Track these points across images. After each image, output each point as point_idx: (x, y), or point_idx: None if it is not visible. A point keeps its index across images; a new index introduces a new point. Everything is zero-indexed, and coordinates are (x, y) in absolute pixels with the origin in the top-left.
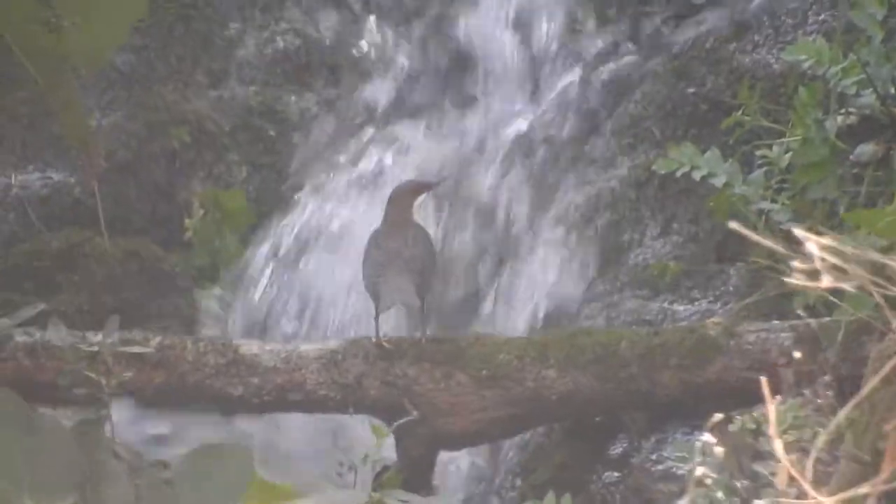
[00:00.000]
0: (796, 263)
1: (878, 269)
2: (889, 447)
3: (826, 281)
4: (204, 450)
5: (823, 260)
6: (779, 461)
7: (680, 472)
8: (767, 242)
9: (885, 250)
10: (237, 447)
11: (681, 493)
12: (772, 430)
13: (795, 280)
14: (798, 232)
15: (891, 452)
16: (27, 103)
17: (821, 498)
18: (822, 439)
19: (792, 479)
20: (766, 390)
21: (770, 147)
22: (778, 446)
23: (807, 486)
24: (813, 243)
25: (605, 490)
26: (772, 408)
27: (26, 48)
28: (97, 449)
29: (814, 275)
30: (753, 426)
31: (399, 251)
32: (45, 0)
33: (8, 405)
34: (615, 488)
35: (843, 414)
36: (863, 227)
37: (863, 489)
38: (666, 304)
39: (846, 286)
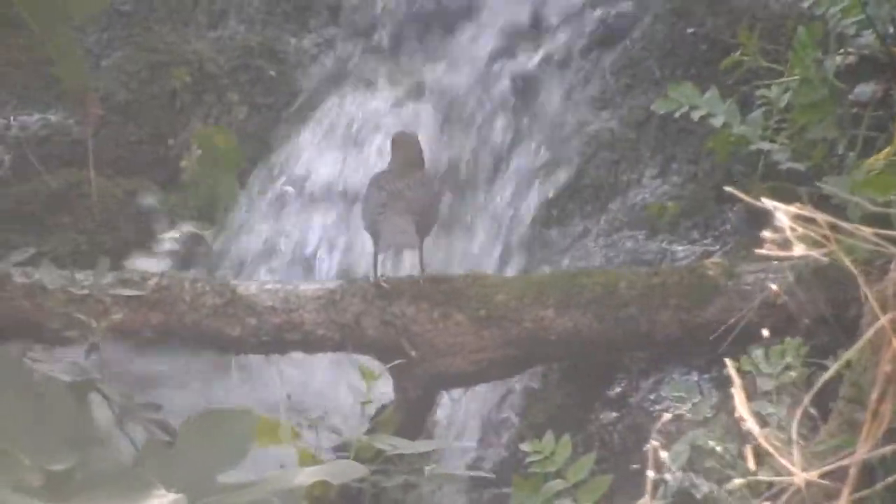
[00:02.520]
0: (767, 233)
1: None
2: (878, 401)
3: (797, 250)
4: (207, 414)
5: (794, 229)
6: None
7: (678, 411)
8: (765, 199)
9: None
10: (242, 413)
11: (679, 433)
12: (740, 404)
13: (767, 250)
14: (767, 202)
15: (878, 409)
16: (27, 48)
17: (797, 472)
18: (821, 380)
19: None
20: (731, 369)
21: (769, 87)
22: (750, 423)
23: (782, 461)
24: (783, 212)
25: (603, 430)
26: (738, 384)
27: None
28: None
29: (786, 244)
30: (751, 367)
31: (401, 192)
32: None
33: (5, 365)
34: (613, 428)
35: (845, 355)
36: (876, 191)
37: (845, 461)
38: (665, 245)
39: (817, 255)
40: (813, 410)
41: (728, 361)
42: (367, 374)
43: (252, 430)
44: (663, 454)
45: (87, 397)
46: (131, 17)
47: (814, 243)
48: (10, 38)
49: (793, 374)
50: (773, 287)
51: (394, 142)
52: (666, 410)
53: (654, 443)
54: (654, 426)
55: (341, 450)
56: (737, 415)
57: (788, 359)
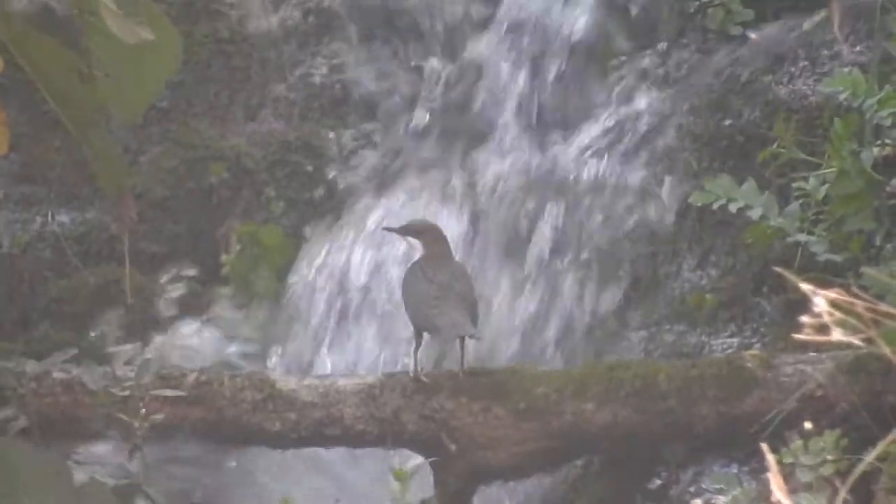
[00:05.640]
0: (805, 318)
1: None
2: None
3: (835, 336)
4: None
5: (832, 314)
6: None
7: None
8: (803, 285)
9: None
10: None
11: None
12: (777, 487)
13: (805, 335)
14: (805, 287)
15: None
16: (63, 149)
17: None
18: (858, 470)
19: None
20: (768, 455)
21: (806, 179)
22: None
23: None
24: (821, 298)
25: None
26: (774, 468)
27: (60, 97)
28: None
29: (823, 329)
30: (791, 459)
31: (450, 285)
32: (80, 51)
33: (50, 469)
34: None
35: (881, 446)
36: None
37: None
38: (703, 337)
39: (855, 340)
40: (852, 501)
41: (764, 446)
42: (400, 475)
43: None
44: None
45: (133, 501)
46: (168, 113)
47: (852, 329)
48: (47, 137)
49: (832, 466)
50: (813, 377)
51: (418, 231)
52: (706, 503)
53: None
54: None
55: None
56: (774, 499)
57: (827, 451)
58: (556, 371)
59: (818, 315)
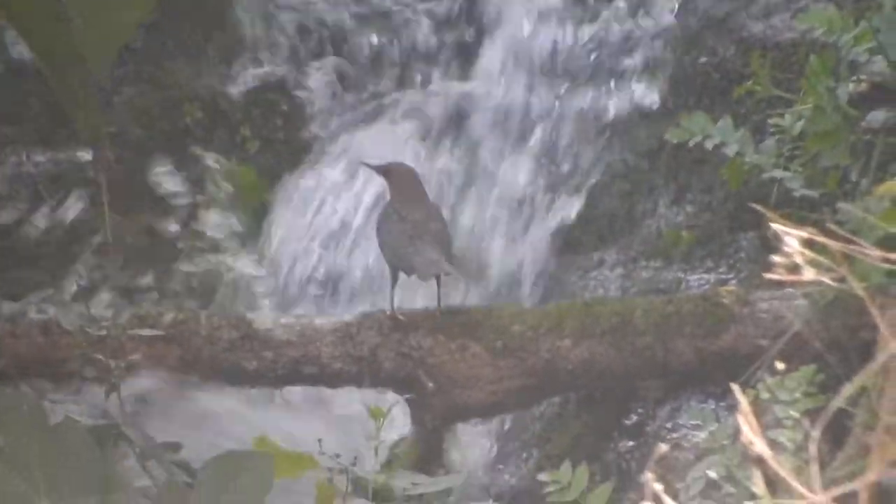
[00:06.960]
0: (776, 258)
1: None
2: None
3: (807, 275)
4: (226, 457)
5: (803, 254)
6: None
7: (695, 439)
8: (778, 222)
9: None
10: (260, 455)
11: (696, 460)
12: (748, 427)
13: (777, 275)
14: (777, 226)
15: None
16: (38, 93)
17: (812, 496)
18: (834, 405)
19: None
20: (739, 396)
21: (782, 115)
22: (760, 446)
23: (796, 484)
24: (793, 237)
25: (621, 458)
26: (745, 409)
27: (35, 41)
28: (116, 450)
29: (795, 268)
30: (768, 395)
31: (425, 224)
32: None
33: (25, 408)
34: (630, 456)
35: (857, 380)
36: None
37: (857, 484)
38: (679, 274)
39: (827, 280)
40: (830, 437)
41: (734, 386)
42: (376, 413)
43: (270, 473)
44: (658, 486)
45: (109, 441)
46: (143, 54)
47: (825, 269)
48: (22, 80)
49: (809, 401)
50: (788, 315)
51: (390, 172)
52: (683, 438)
53: (650, 474)
54: (652, 459)
55: (358, 486)
56: (745, 439)
57: (803, 386)
58: (533, 309)
59: (790, 254)
